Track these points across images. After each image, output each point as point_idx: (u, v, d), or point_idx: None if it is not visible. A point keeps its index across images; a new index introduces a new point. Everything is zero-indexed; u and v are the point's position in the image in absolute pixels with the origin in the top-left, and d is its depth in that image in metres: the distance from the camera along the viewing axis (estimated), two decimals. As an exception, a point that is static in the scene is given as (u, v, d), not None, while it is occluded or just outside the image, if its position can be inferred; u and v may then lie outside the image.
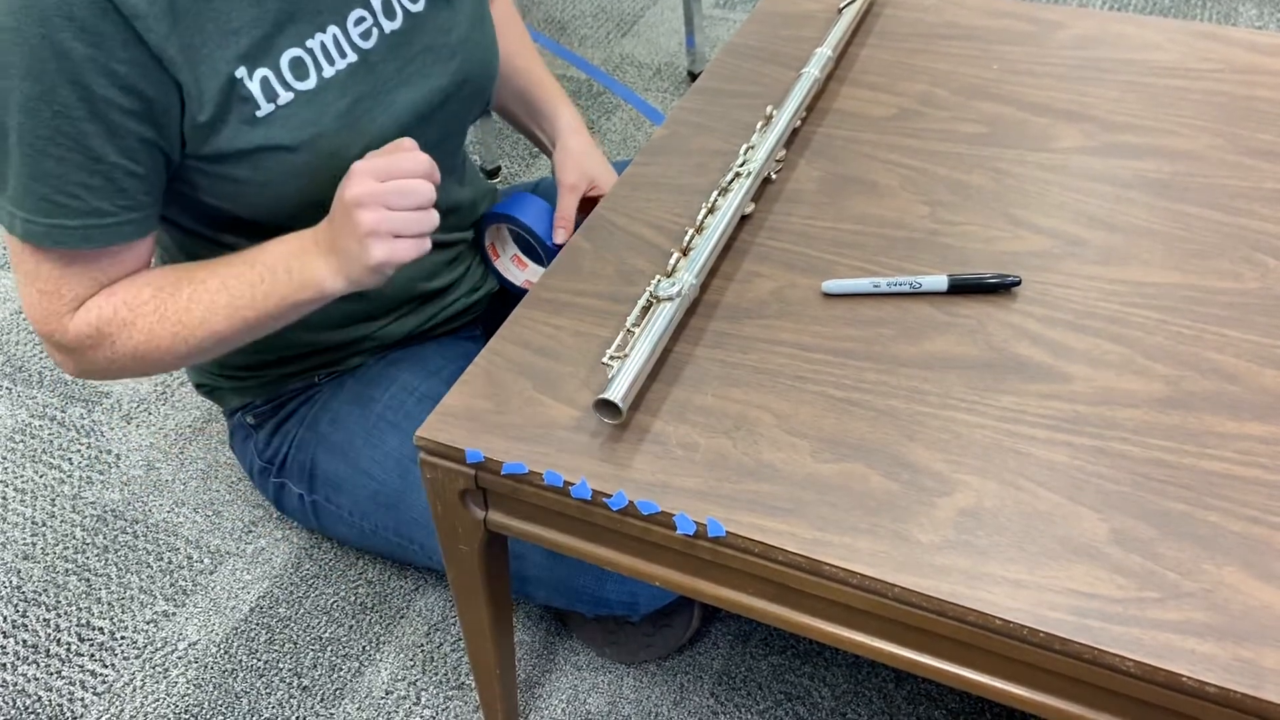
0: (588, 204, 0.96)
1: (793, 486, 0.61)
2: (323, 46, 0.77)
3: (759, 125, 0.87)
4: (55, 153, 0.70)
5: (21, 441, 1.35)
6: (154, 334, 0.78)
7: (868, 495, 0.61)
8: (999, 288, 0.72)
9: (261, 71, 0.74)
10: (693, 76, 2.08)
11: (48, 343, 0.80)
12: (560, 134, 1.00)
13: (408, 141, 0.76)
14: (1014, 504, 0.60)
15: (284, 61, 0.75)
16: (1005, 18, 1.02)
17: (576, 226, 0.90)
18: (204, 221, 0.85)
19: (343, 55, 0.79)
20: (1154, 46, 0.96)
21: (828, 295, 0.74)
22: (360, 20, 0.80)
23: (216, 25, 0.72)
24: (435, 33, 0.84)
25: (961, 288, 0.72)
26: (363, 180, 0.73)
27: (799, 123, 0.90)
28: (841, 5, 1.02)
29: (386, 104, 0.82)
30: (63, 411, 1.38)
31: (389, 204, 0.72)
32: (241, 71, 0.73)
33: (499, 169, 1.83)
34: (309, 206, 0.80)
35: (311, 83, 0.77)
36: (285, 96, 0.76)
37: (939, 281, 0.72)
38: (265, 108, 0.75)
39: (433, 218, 0.75)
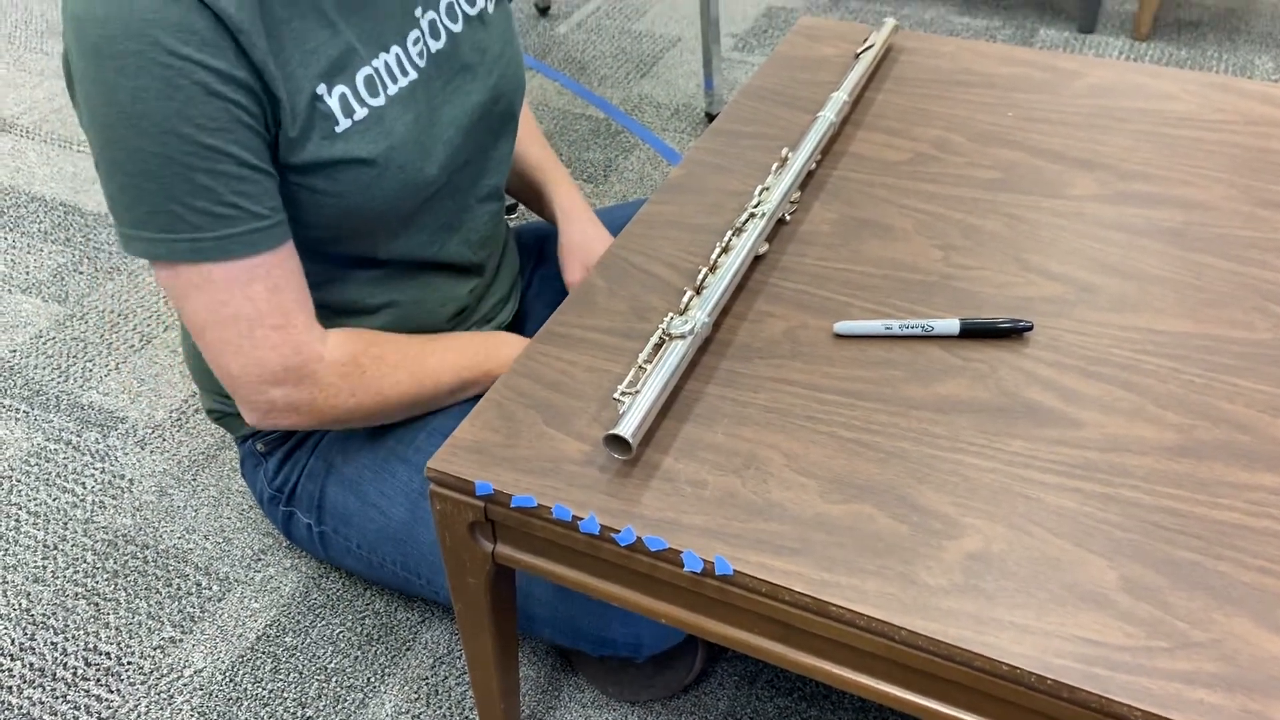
0: None
1: (801, 526, 0.61)
2: (387, 65, 0.81)
3: (774, 167, 0.88)
4: (205, 165, 0.72)
5: (37, 465, 1.35)
6: (398, 372, 0.84)
7: (876, 537, 0.61)
8: (1011, 332, 0.72)
9: (339, 88, 0.78)
10: (710, 117, 2.10)
11: (290, 380, 0.80)
12: (559, 223, 1.07)
13: None
14: (1022, 549, 0.59)
15: (359, 79, 0.79)
16: (1021, 65, 1.03)
17: None
18: None
19: (404, 73, 0.83)
20: (1169, 97, 0.97)
21: (840, 336, 0.74)
22: (416, 40, 0.84)
23: (297, 45, 0.75)
24: (471, 51, 0.89)
25: (974, 332, 0.72)
26: None
27: (814, 165, 0.91)
28: (858, 50, 1.04)
29: (439, 120, 0.86)
30: (78, 436, 1.39)
31: None
32: (322, 88, 0.77)
33: (516, 204, 1.85)
34: (375, 219, 0.83)
35: (381, 99, 0.81)
36: (360, 112, 0.79)
37: (951, 325, 0.72)
38: (343, 123, 0.78)
39: None
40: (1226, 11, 2.40)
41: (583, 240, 1.05)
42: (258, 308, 0.77)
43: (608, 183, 1.92)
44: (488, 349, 0.92)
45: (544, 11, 2.49)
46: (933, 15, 2.44)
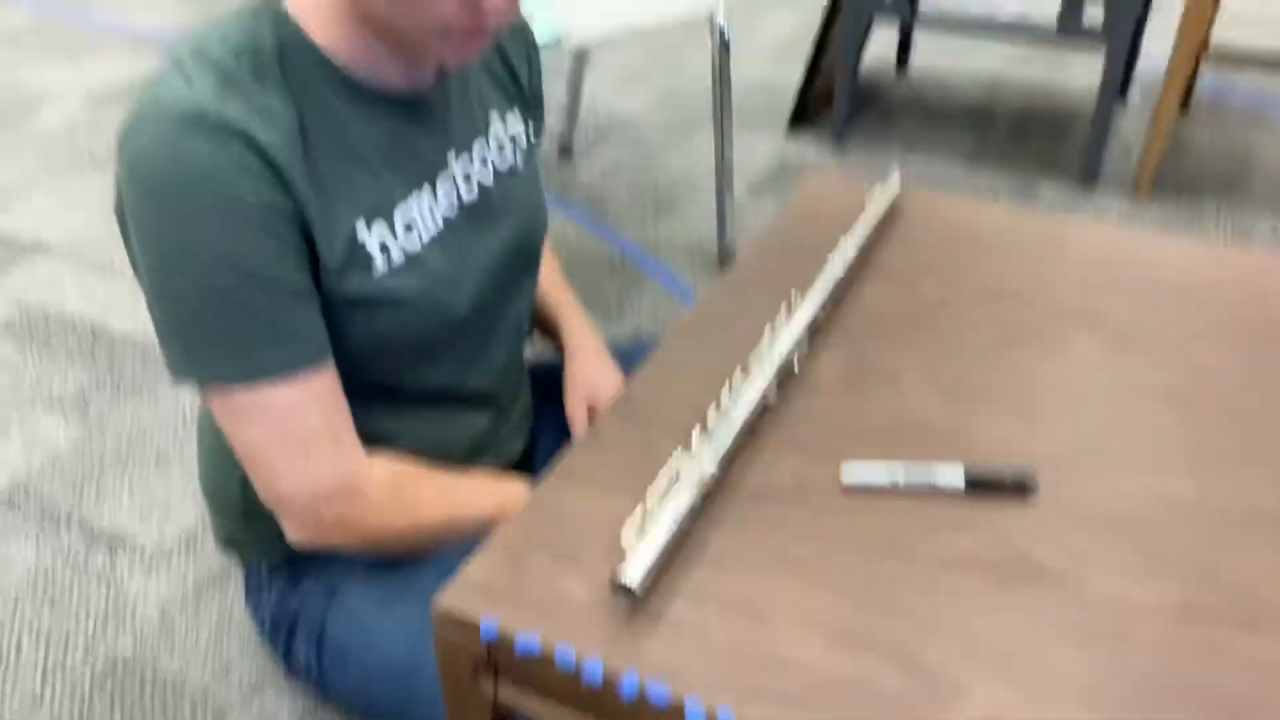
0: None
1: (806, 679, 0.61)
2: (421, 210, 0.86)
3: (783, 315, 0.90)
4: (258, 294, 0.75)
5: (43, 586, 1.35)
6: (436, 499, 0.86)
7: (882, 694, 0.60)
8: (1017, 488, 0.73)
9: (377, 230, 0.82)
10: (723, 258, 2.16)
11: (342, 496, 0.82)
12: (566, 352, 1.11)
13: None
14: (1030, 711, 0.59)
15: (397, 222, 0.83)
16: (1022, 226, 1.06)
17: None
18: None
19: (439, 217, 0.87)
20: (1165, 264, 1.00)
21: (847, 487, 0.75)
22: (450, 187, 0.89)
23: (337, 184, 0.80)
24: (501, 198, 0.94)
25: (979, 486, 0.73)
26: None
27: (822, 314, 0.93)
28: (865, 204, 1.08)
29: (470, 259, 0.90)
30: (86, 557, 1.39)
31: None
32: (360, 227, 0.81)
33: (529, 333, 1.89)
34: (402, 351, 0.87)
35: (417, 242, 0.85)
36: (397, 255, 0.83)
37: (957, 479, 0.74)
38: (380, 265, 0.82)
39: None
40: (1225, 174, 2.48)
41: (588, 375, 1.08)
42: (312, 427, 0.80)
43: (621, 317, 1.96)
44: (509, 491, 0.93)
45: (566, 152, 2.59)
46: (937, 170, 2.53)
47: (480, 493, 0.92)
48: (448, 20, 0.75)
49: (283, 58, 0.77)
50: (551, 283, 1.15)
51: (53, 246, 2.16)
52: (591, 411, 1.07)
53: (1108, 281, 0.97)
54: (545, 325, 1.15)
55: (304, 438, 0.80)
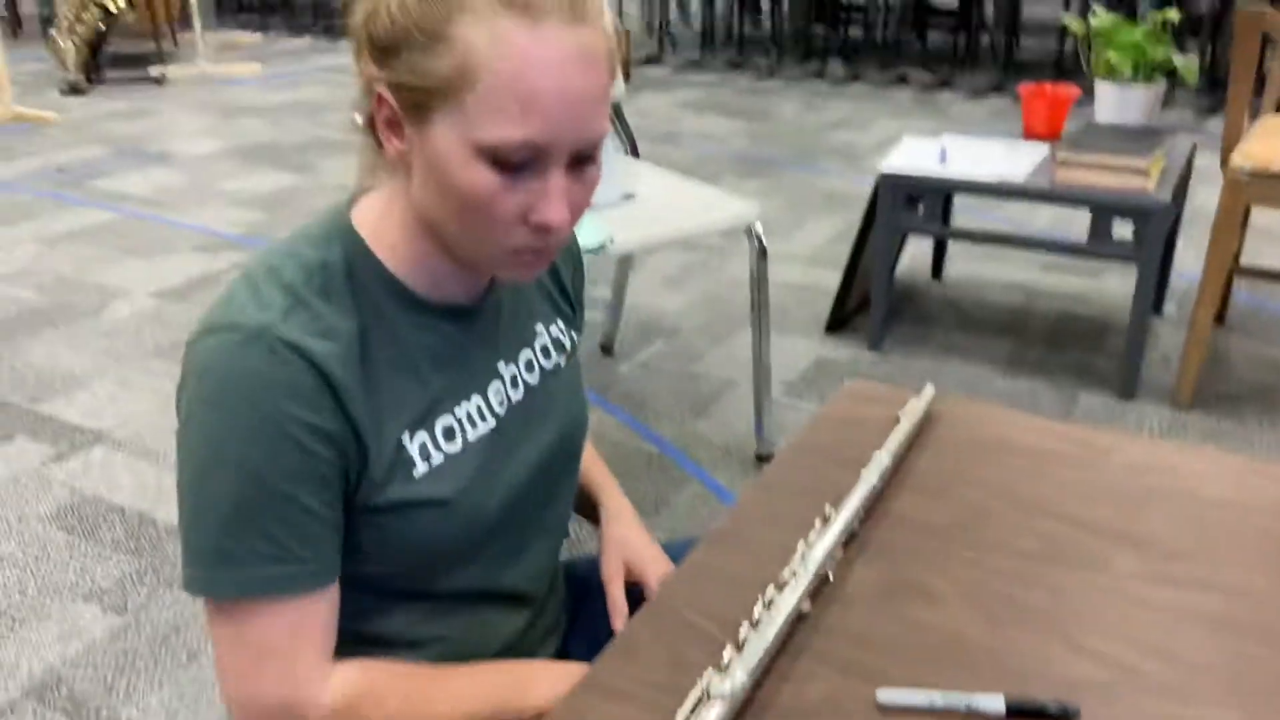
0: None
1: None
2: (468, 415, 0.88)
3: (818, 524, 0.91)
4: (272, 509, 0.77)
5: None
6: (402, 713, 0.82)
7: None
8: (1058, 717, 0.71)
9: (421, 436, 0.84)
10: (760, 459, 2.17)
11: (276, 715, 0.81)
12: (602, 523, 1.10)
13: None
14: None
15: (439, 428, 0.86)
16: (1059, 438, 1.07)
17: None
18: None
19: (484, 420, 0.89)
20: (1205, 478, 1.00)
21: (882, 706, 0.73)
22: (498, 391, 0.91)
23: (392, 397, 0.82)
24: (545, 398, 0.96)
25: (1020, 713, 0.71)
26: None
27: (857, 525, 0.94)
28: (900, 413, 1.10)
29: (511, 463, 0.91)
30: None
31: None
32: (406, 436, 0.83)
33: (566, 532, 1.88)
34: (438, 555, 0.87)
35: (458, 445, 0.87)
36: (437, 458, 0.85)
37: (997, 704, 0.72)
38: (420, 468, 0.84)
39: None
40: (1266, 385, 2.48)
41: (624, 537, 1.07)
42: (272, 643, 0.79)
43: (658, 516, 1.96)
44: (520, 684, 0.90)
45: (608, 351, 2.67)
46: (974, 375, 2.56)
47: (480, 693, 0.87)
48: (516, 243, 0.79)
49: (350, 274, 0.82)
50: (591, 460, 1.15)
51: (110, 435, 2.23)
52: (627, 574, 1.04)
53: (1148, 496, 0.97)
54: (583, 501, 1.14)
55: (261, 649, 0.79)
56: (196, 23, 5.66)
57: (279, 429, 0.76)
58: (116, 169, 4.04)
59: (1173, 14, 2.56)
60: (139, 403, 2.37)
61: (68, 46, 5.14)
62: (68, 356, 2.57)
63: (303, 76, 5.70)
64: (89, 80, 5.30)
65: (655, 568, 1.04)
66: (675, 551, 1.15)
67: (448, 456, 0.86)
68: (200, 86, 5.43)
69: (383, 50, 0.77)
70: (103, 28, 5.15)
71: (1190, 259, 3.14)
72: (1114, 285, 3.06)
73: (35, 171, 4.00)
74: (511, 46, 0.72)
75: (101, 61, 5.45)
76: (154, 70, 5.54)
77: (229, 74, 5.69)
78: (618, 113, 2.29)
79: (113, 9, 5.04)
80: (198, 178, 3.95)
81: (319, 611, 0.82)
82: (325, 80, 5.58)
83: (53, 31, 5.17)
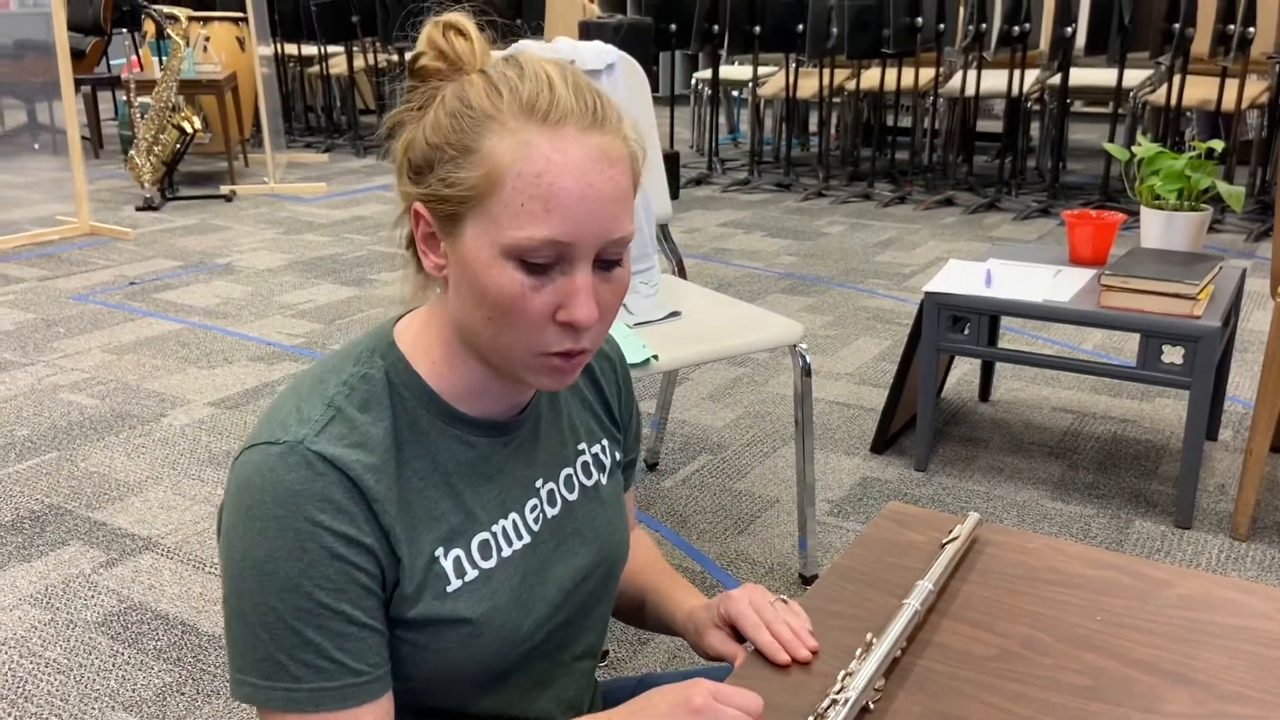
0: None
1: None
2: (504, 530, 0.89)
3: (859, 652, 0.89)
4: (316, 622, 0.78)
5: None
6: None
7: None
8: None
9: (455, 552, 0.85)
10: (804, 579, 2.13)
11: None
12: (683, 609, 1.03)
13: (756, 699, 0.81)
14: None
15: (474, 544, 0.86)
16: (1109, 569, 1.05)
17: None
18: None
19: (519, 537, 0.90)
20: (1262, 615, 0.97)
21: None
22: (534, 508, 0.92)
23: (426, 511, 0.84)
24: (583, 518, 0.96)
25: None
26: (705, 694, 0.79)
27: (899, 653, 0.92)
28: (944, 540, 1.08)
29: (545, 580, 0.91)
30: None
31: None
32: (440, 551, 0.84)
33: (607, 651, 1.86)
34: (470, 674, 0.87)
35: (493, 562, 0.87)
36: (471, 574, 0.86)
37: None
38: (454, 584, 0.85)
39: None
40: (1329, 510, 2.40)
41: (709, 613, 1.00)
42: None
43: (701, 639, 1.92)
44: None
45: (652, 467, 2.67)
46: (1026, 498, 2.51)
47: None
48: (548, 344, 0.81)
49: (389, 387, 0.85)
50: (658, 570, 1.10)
51: (160, 542, 2.26)
52: (728, 621, 0.97)
53: (1202, 632, 0.94)
54: (648, 596, 1.09)
55: None
56: (267, 143, 5.94)
57: (314, 541, 0.77)
58: (183, 281, 4.20)
59: (1218, 143, 2.58)
60: (190, 511, 2.41)
61: (145, 165, 5.41)
62: (124, 464, 2.63)
63: (363, 194, 5.92)
64: (163, 197, 5.56)
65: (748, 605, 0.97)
66: (715, 677, 1.13)
67: (482, 573, 0.86)
68: (267, 203, 5.67)
69: (418, 170, 0.82)
70: (179, 148, 5.42)
71: (1245, 383, 3.09)
72: (1167, 408, 3.01)
73: (108, 283, 4.17)
74: (534, 150, 0.76)
75: (175, 179, 5.72)
76: (224, 188, 5.79)
77: (294, 191, 5.94)
78: (665, 233, 2.34)
79: (189, 130, 5.31)
80: (259, 290, 4.09)
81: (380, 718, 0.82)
82: (384, 198, 5.79)
83: (131, 151, 5.45)
